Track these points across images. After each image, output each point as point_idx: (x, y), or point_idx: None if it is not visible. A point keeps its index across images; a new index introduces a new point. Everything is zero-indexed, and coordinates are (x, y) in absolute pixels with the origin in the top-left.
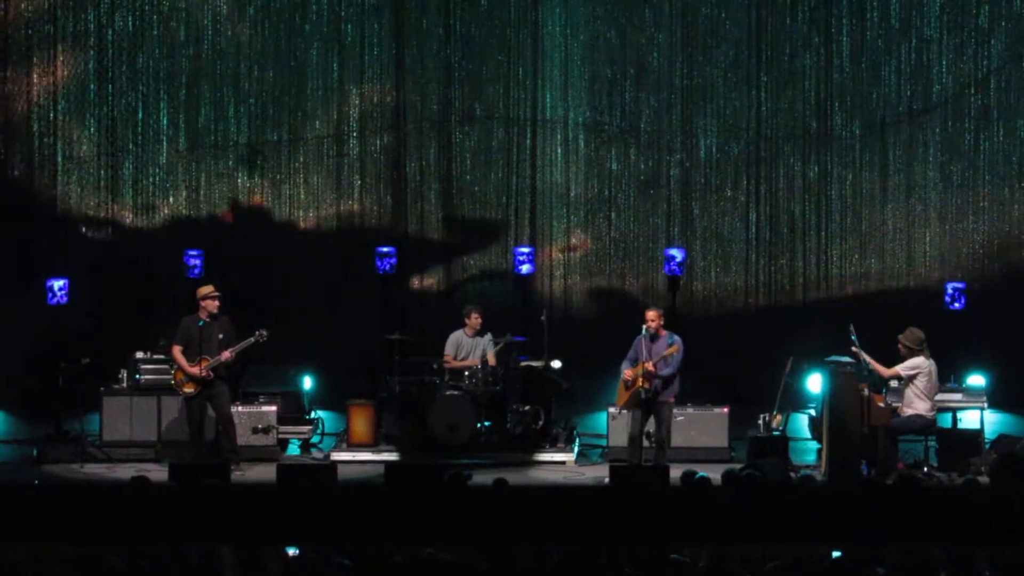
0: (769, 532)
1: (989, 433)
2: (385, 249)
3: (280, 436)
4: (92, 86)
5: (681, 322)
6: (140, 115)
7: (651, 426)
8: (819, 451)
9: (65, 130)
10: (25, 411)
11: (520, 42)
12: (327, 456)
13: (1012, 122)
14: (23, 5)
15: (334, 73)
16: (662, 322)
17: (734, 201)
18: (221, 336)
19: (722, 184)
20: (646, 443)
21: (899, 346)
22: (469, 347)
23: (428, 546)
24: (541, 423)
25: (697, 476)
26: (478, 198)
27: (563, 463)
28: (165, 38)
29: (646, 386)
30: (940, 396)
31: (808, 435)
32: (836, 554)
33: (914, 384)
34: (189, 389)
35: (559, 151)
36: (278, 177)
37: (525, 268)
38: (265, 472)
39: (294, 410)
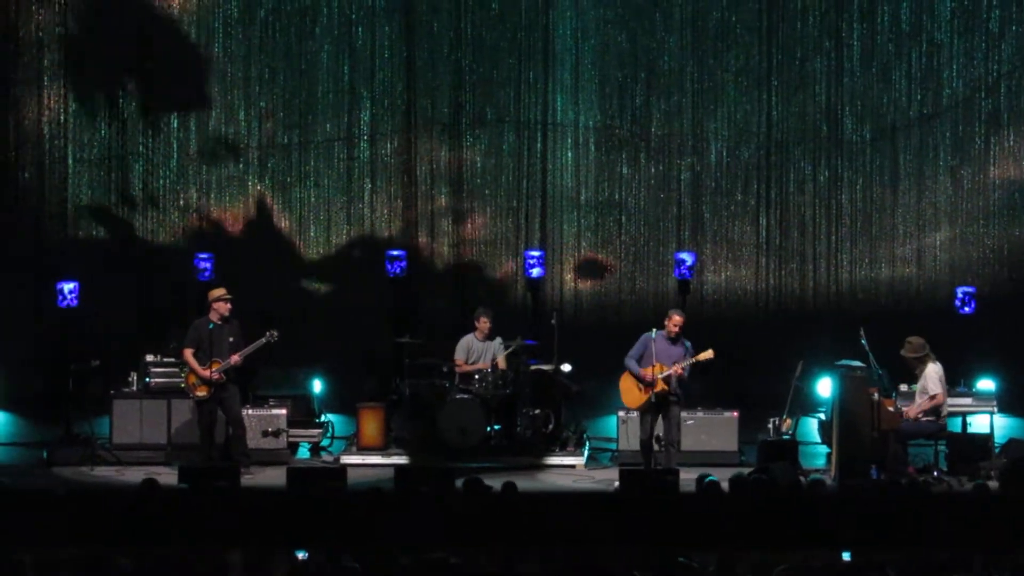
0: (778, 536)
1: (999, 437)
2: (395, 253)
3: (290, 439)
4: (101, 87)
5: (691, 326)
6: (151, 117)
7: (659, 428)
8: (829, 455)
9: (76, 132)
10: (35, 413)
11: (531, 46)
12: (337, 459)
13: (1022, 126)
14: (34, 7)
15: (345, 76)
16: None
17: (744, 205)
18: (231, 339)
19: (732, 188)
20: (656, 447)
21: (905, 358)
22: (479, 351)
23: (437, 549)
24: (551, 427)
25: (707, 480)
26: (488, 202)
27: (573, 467)
28: (176, 41)
29: (665, 388)
30: (950, 400)
31: (818, 439)
32: (846, 557)
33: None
34: (201, 392)
35: (570, 155)
36: (288, 180)
37: (535, 272)
38: (275, 475)
39: (304, 413)
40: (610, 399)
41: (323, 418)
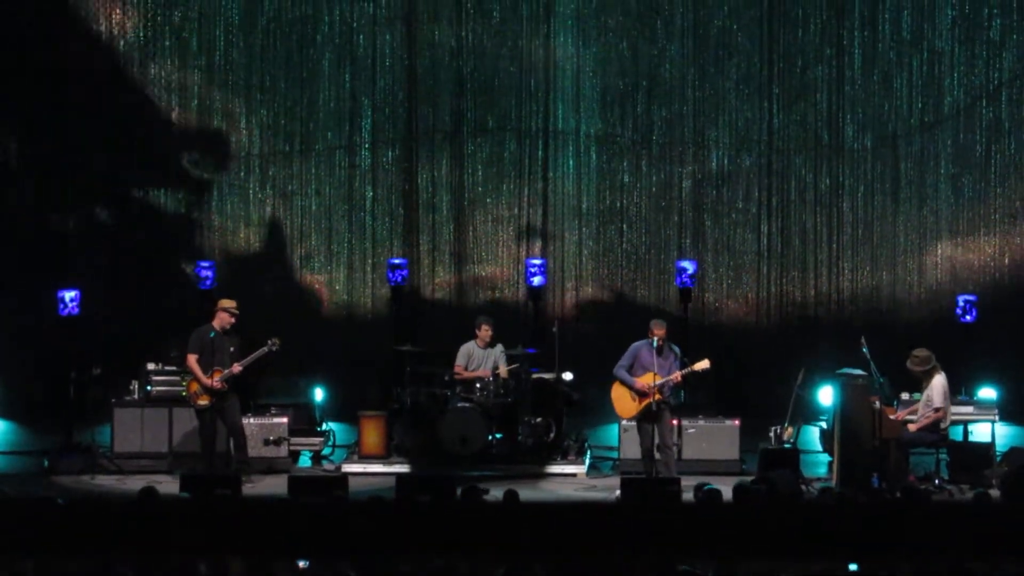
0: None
1: (1000, 446)
2: (396, 261)
3: (291, 448)
4: (104, 95)
5: (692, 334)
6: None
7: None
8: (830, 463)
9: None
10: (36, 422)
11: (532, 54)
12: (338, 468)
13: (1023, 134)
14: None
15: (346, 84)
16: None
17: (746, 213)
18: (232, 349)
19: (734, 196)
20: (658, 455)
21: (912, 371)
22: (480, 359)
23: (438, 558)
24: (552, 435)
25: (706, 488)
26: (490, 210)
27: (574, 475)
28: (177, 49)
29: (659, 398)
30: (952, 408)
31: (819, 447)
32: (853, 568)
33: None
34: (203, 401)
35: (571, 163)
36: (290, 188)
37: (537, 280)
38: (276, 484)
39: (305, 422)
40: (611, 407)
41: (324, 427)
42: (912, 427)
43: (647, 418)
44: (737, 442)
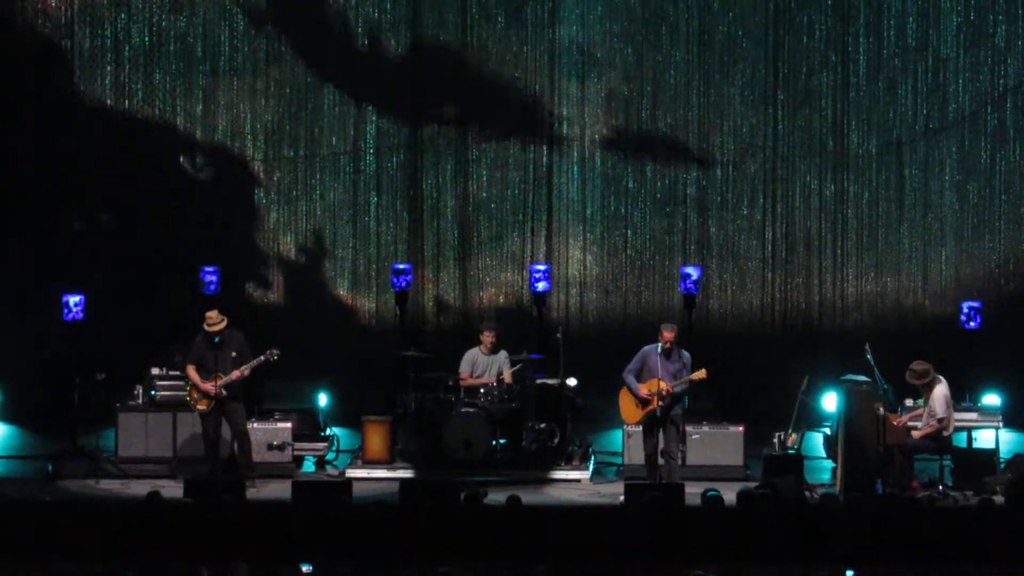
0: (784, 550)
1: (1004, 452)
2: (401, 266)
3: (295, 453)
4: (109, 102)
5: (696, 340)
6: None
7: (661, 442)
8: (834, 470)
9: None
10: (40, 426)
11: (537, 59)
12: (342, 473)
13: None
14: (40, 21)
15: (351, 90)
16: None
17: (750, 219)
18: (235, 354)
19: (738, 202)
20: (660, 460)
21: (912, 382)
22: (485, 364)
23: (443, 564)
24: (556, 441)
25: (709, 494)
26: (494, 215)
27: (578, 481)
28: (182, 54)
29: (661, 404)
30: (956, 415)
31: (823, 454)
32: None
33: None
34: (203, 406)
35: (575, 168)
36: (294, 194)
37: (541, 285)
38: (280, 489)
39: (309, 427)
40: (616, 413)
41: (328, 431)
42: (916, 434)
43: (651, 424)
44: (741, 448)
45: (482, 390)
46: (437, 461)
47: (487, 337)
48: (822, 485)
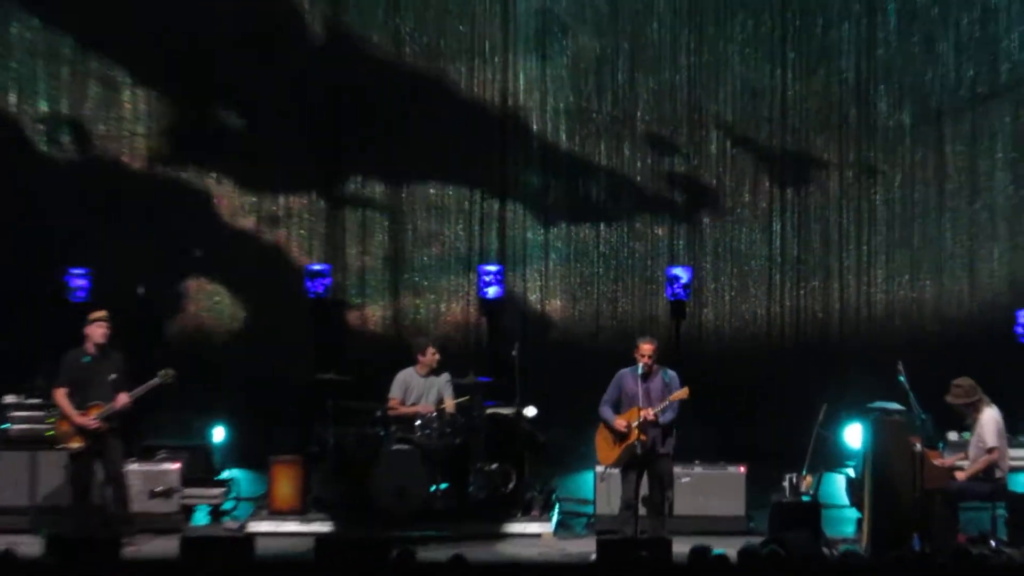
0: None
1: None
2: (317, 267)
3: (184, 501)
4: None
5: (687, 359)
6: None
7: (645, 487)
8: (859, 521)
9: None
10: None
11: (487, 10)
12: (243, 527)
13: None
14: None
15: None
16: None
17: (754, 208)
18: (113, 376)
19: (738, 187)
20: (642, 510)
21: (953, 404)
22: (421, 389)
23: None
24: (511, 485)
25: (712, 553)
26: (434, 203)
27: (539, 536)
28: None
29: (643, 438)
30: (1011, 452)
31: (846, 501)
32: None
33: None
34: (76, 444)
35: (535, 146)
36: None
37: (492, 291)
38: (166, 546)
39: (202, 469)
40: (586, 450)
41: (226, 474)
42: (961, 475)
43: (632, 464)
44: (743, 494)
45: (418, 422)
46: (361, 512)
47: (427, 356)
48: (844, 540)
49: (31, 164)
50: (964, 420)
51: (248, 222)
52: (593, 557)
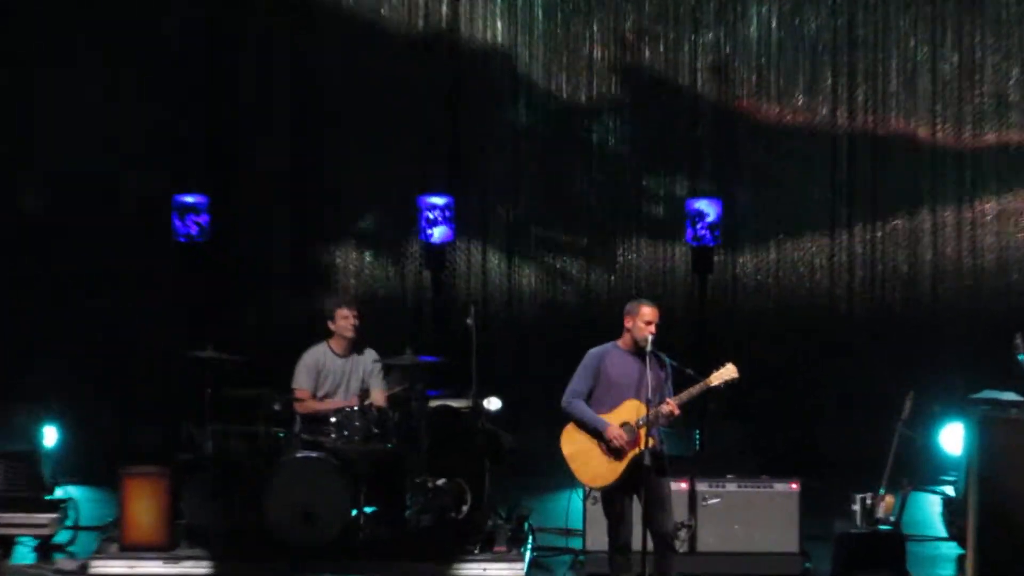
0: None
1: None
2: (189, 199)
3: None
4: None
5: (714, 329)
6: None
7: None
8: (961, 558)
9: None
10: None
11: None
12: (84, 566)
13: None
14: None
15: None
16: None
17: (809, 111)
18: None
19: (788, 85)
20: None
21: None
22: (339, 374)
23: None
24: (466, 508)
25: None
26: (357, 108)
27: None
28: None
29: (652, 443)
30: None
31: (942, 531)
32: None
33: None
34: None
35: (499, 27)
36: None
37: (438, 233)
38: None
39: (25, 486)
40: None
41: (59, 493)
42: None
43: (628, 483)
44: (796, 521)
45: (333, 420)
46: (255, 544)
47: (343, 322)
48: None
49: None
50: None
51: None
52: None
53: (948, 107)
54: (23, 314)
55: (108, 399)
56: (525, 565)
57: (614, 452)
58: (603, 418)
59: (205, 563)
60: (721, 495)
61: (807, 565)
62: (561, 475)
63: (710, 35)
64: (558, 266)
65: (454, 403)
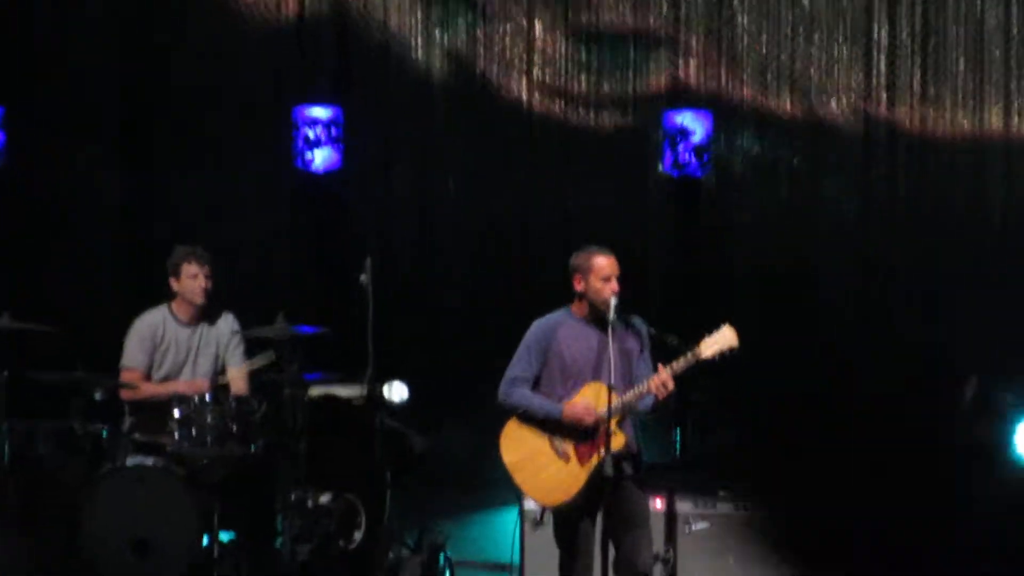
0: None
1: None
2: None
3: None
4: None
5: (703, 288)
6: None
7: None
8: None
9: None
10: None
11: None
12: None
13: None
14: None
15: None
16: None
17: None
18: None
19: None
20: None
21: None
22: (183, 348)
23: None
24: (360, 534)
25: None
26: None
27: None
28: None
29: (621, 443)
30: None
31: None
32: None
33: None
34: None
35: None
36: None
37: (321, 156)
38: None
39: None
40: (504, 470)
41: None
42: None
43: (594, 500)
44: None
45: (177, 412)
46: None
47: (190, 281)
48: None
49: None
50: None
51: None
52: None
53: None
54: None
55: None
56: None
57: (568, 453)
58: (566, 407)
59: None
60: (710, 518)
61: None
62: (492, 488)
63: None
64: (484, 207)
65: (342, 391)
